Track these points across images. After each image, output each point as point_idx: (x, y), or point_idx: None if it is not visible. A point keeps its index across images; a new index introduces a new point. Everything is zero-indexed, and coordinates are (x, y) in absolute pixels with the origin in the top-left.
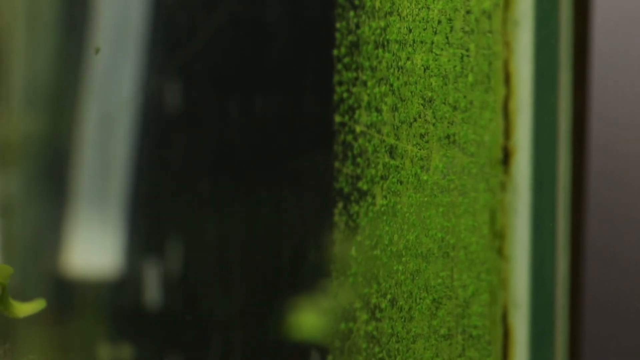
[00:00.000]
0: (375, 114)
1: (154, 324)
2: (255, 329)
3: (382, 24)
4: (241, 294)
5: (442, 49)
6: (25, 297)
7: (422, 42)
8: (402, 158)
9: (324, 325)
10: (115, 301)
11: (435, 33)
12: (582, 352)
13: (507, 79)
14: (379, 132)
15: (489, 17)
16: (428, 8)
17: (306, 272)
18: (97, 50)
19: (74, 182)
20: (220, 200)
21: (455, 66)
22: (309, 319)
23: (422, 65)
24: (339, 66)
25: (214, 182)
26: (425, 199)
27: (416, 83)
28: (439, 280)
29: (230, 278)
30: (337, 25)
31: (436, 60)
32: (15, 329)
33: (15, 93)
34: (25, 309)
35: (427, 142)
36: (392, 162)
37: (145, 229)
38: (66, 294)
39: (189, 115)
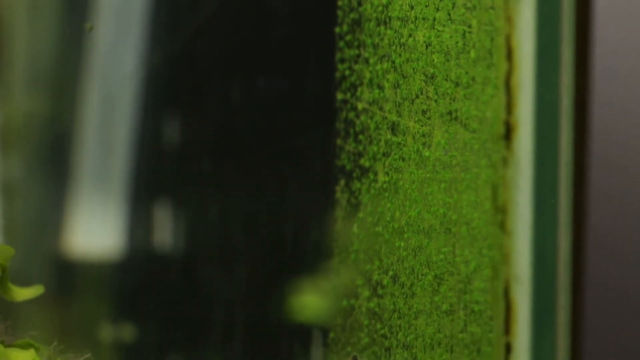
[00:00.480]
0: (377, 91)
1: (155, 305)
2: (257, 310)
3: (384, 1)
4: (244, 273)
5: (444, 26)
6: (27, 278)
7: (424, 18)
8: (404, 135)
9: (326, 306)
10: (118, 282)
11: (438, 10)
12: (584, 327)
13: (510, 55)
14: (381, 109)
15: None
16: None
17: (308, 251)
18: (90, 28)
19: (76, 163)
20: (222, 179)
21: (457, 42)
22: (311, 301)
23: (424, 42)
24: (341, 44)
25: (216, 162)
26: (427, 175)
27: (418, 60)
28: (441, 256)
29: (233, 258)
30: (339, 2)
31: (438, 36)
32: (17, 310)
33: (17, 75)
34: (23, 293)
35: (429, 118)
36: (394, 138)
37: (147, 209)
38: (68, 274)
39: (191, 95)
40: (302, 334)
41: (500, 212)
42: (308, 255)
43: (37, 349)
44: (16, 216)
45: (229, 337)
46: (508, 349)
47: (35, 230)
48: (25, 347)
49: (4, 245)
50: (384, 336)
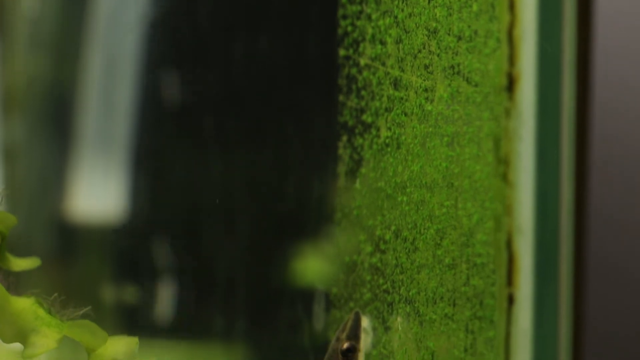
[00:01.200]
0: (379, 46)
1: (157, 266)
2: (260, 270)
3: None
4: (246, 233)
5: None
6: (29, 241)
7: None
8: (406, 90)
9: (328, 270)
10: (119, 244)
11: None
12: (587, 277)
13: (512, 7)
14: (383, 64)
15: None
16: None
17: (311, 209)
18: None
19: (78, 126)
20: (224, 138)
21: None
22: (313, 265)
23: None
24: (343, 0)
25: (218, 120)
26: (430, 129)
27: (420, 14)
28: (443, 210)
29: (235, 217)
30: None
31: None
32: (19, 272)
33: (19, 38)
34: (20, 263)
35: (431, 73)
36: (396, 93)
37: (150, 172)
38: (70, 237)
39: (193, 54)
40: (304, 296)
41: (503, 164)
42: (311, 212)
43: (39, 302)
44: (18, 179)
45: (232, 298)
46: (510, 300)
47: (37, 193)
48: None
49: (6, 213)
50: (387, 291)
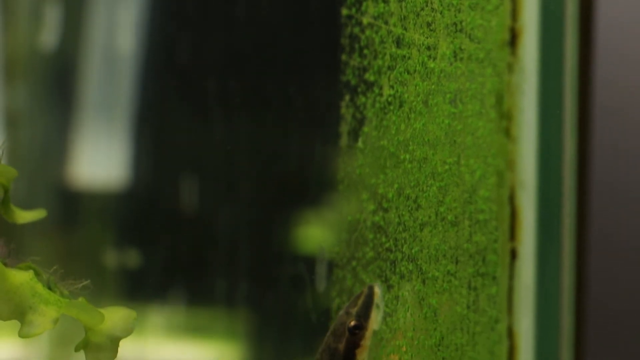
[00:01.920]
0: (382, 4)
1: (159, 232)
2: (261, 236)
3: None
4: (248, 197)
5: None
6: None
7: None
8: (409, 48)
9: (330, 238)
10: (122, 210)
11: None
12: (590, 232)
13: None
14: (386, 23)
15: None
16: None
17: (314, 172)
18: None
19: (81, 93)
20: (227, 102)
21: None
22: (315, 233)
23: None
24: None
25: (221, 84)
26: (432, 87)
27: None
28: (446, 167)
29: (238, 182)
30: None
31: None
32: (21, 237)
33: (21, 5)
34: (25, 215)
35: (434, 30)
36: (399, 52)
37: (152, 137)
38: (72, 204)
39: (195, 15)
40: (307, 260)
41: (505, 119)
42: (313, 175)
43: (37, 273)
44: (21, 146)
45: (233, 263)
46: (513, 255)
47: (39, 160)
48: (25, 269)
49: (7, 166)
50: (389, 249)
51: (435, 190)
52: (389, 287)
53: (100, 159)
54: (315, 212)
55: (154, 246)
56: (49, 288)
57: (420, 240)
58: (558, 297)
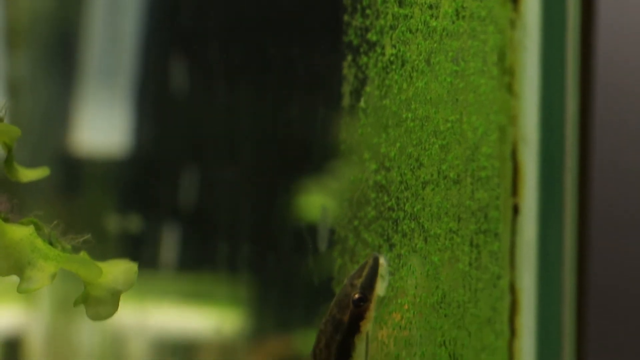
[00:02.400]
0: None
1: (161, 197)
2: (264, 202)
3: None
4: (250, 161)
5: None
6: None
7: None
8: (411, 7)
9: (332, 206)
10: (123, 176)
11: None
12: (592, 187)
13: None
14: None
15: None
16: None
17: (316, 136)
18: None
19: (83, 60)
20: (229, 66)
21: None
22: (317, 201)
23: None
24: None
25: (223, 48)
26: (434, 45)
27: None
28: (448, 125)
29: (240, 146)
30: None
31: None
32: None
33: None
34: (28, 174)
35: None
36: (401, 11)
37: (154, 103)
38: (74, 170)
39: None
40: (309, 229)
41: (508, 75)
42: (315, 141)
43: (39, 228)
44: (23, 113)
45: (236, 229)
46: (515, 210)
47: (41, 127)
48: (27, 224)
49: (10, 125)
50: (391, 208)
51: (438, 149)
52: (391, 246)
53: (102, 125)
54: (317, 180)
55: (155, 212)
56: (50, 243)
57: (423, 199)
58: (560, 252)
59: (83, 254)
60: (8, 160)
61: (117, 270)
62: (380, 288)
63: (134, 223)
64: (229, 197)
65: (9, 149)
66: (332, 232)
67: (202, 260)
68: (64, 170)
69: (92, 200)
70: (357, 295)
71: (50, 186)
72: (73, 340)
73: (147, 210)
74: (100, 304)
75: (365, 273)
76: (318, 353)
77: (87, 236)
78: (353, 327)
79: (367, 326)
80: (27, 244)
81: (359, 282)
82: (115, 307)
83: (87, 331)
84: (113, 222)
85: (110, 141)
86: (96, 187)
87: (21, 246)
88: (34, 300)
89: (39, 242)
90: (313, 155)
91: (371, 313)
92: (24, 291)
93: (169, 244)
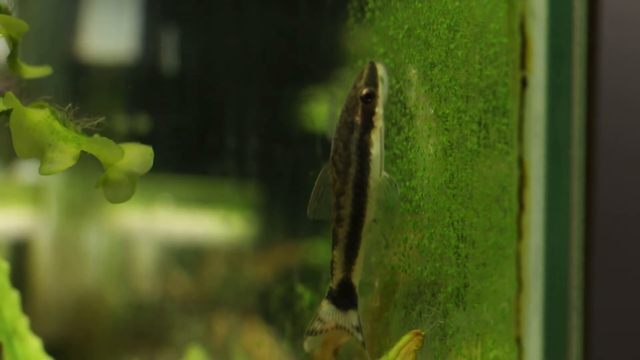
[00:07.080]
0: None
1: (168, 100)
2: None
3: None
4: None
5: None
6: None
7: None
8: None
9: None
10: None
11: None
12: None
13: None
14: None
15: None
16: None
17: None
18: None
19: None
20: None
21: None
22: (325, 109)
23: None
24: None
25: None
26: None
27: None
28: (457, 4)
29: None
30: None
31: None
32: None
33: None
34: (31, 71)
35: None
36: None
37: (161, 8)
38: (82, 76)
39: None
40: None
41: None
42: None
43: (52, 111)
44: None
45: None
46: (524, 83)
47: (49, 32)
48: (40, 107)
49: (18, 19)
50: (399, 91)
51: (445, 28)
52: (399, 130)
53: (110, 32)
54: (325, 88)
55: (163, 116)
56: (64, 126)
57: (431, 80)
58: (569, 127)
59: (97, 136)
60: (12, 55)
61: (133, 152)
62: (382, 90)
63: (142, 121)
64: (236, 104)
65: (14, 44)
66: None
67: (209, 165)
68: (70, 76)
69: (99, 102)
70: (364, 91)
71: (58, 92)
72: (80, 245)
73: (156, 114)
74: (119, 186)
75: (365, 74)
76: (337, 159)
77: (102, 119)
78: (367, 123)
79: (380, 122)
80: (45, 126)
81: (362, 82)
82: (132, 189)
83: (94, 235)
84: (120, 119)
85: (118, 47)
86: (103, 92)
87: (40, 128)
88: (41, 204)
89: (57, 125)
90: (321, 63)
91: (380, 110)
92: (47, 172)
93: (177, 147)
